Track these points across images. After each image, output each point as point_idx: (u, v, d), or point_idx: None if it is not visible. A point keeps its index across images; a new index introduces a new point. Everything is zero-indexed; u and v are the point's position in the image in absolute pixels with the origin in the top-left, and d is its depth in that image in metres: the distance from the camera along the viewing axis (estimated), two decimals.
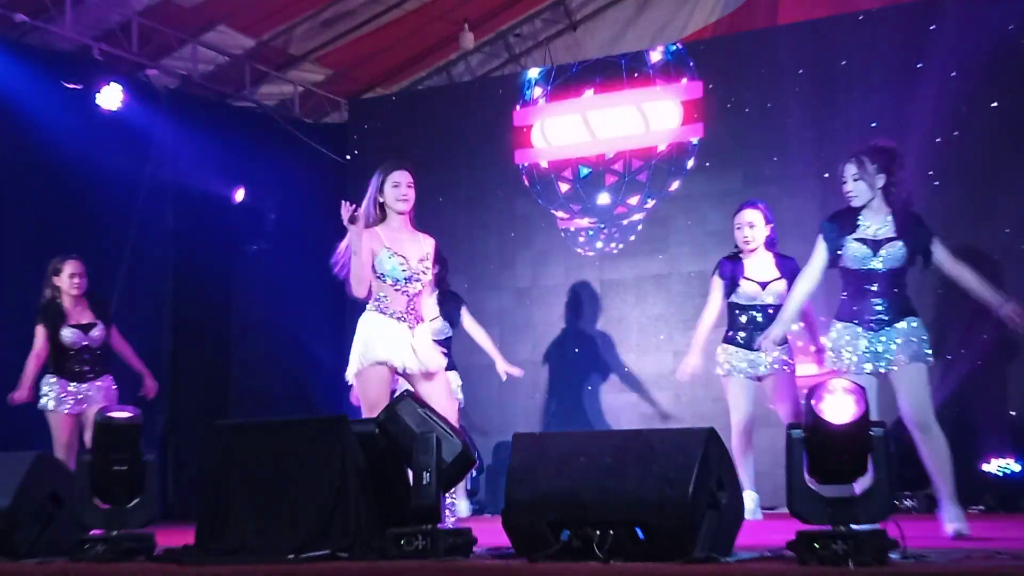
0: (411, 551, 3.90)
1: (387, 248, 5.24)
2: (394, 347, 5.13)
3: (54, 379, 6.92)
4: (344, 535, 4.07)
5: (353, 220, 5.16)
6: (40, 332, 6.96)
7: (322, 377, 9.53)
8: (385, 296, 5.21)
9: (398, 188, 5.30)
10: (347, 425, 4.25)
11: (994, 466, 7.25)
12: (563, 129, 9.39)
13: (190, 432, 8.45)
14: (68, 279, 6.96)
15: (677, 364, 8.68)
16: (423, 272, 5.29)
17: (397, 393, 4.40)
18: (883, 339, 4.98)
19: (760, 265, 6.49)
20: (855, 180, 5.06)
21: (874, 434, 3.50)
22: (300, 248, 9.77)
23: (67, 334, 6.90)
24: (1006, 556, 3.59)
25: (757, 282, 6.47)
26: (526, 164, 9.42)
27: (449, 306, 7.60)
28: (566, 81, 9.40)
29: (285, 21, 9.43)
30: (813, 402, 3.49)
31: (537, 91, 9.50)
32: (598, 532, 3.62)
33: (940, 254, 5.06)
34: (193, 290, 9.25)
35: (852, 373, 4.96)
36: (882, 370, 4.98)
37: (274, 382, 9.66)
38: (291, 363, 9.59)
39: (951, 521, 4.87)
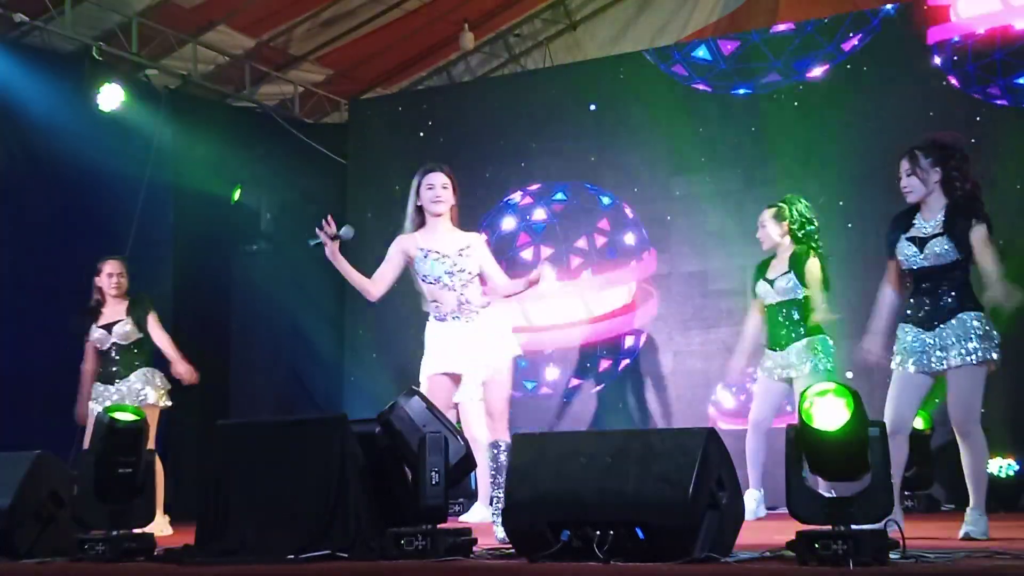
0: (411, 551, 3.90)
1: (421, 249, 5.25)
2: (449, 355, 5.17)
3: (96, 385, 6.83)
4: (344, 535, 4.07)
5: (335, 238, 5.27)
6: (87, 346, 6.87)
7: (322, 377, 9.55)
8: (435, 301, 5.25)
9: (432, 190, 5.29)
10: (347, 425, 4.25)
11: (994, 466, 7.24)
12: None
13: (190, 432, 8.45)
14: (107, 279, 6.89)
15: (677, 364, 8.75)
16: (466, 261, 5.24)
17: (406, 390, 4.35)
18: (933, 338, 4.87)
19: (778, 263, 6.68)
20: (908, 175, 4.96)
21: (871, 435, 3.49)
22: (300, 248, 9.78)
23: (94, 335, 6.85)
24: (1006, 556, 3.59)
25: (768, 280, 6.65)
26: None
27: None
28: None
29: (285, 21, 9.43)
30: (805, 406, 3.49)
31: None
32: (598, 532, 3.62)
33: (975, 238, 4.87)
34: (193, 290, 9.25)
35: (900, 370, 4.91)
36: (935, 369, 4.87)
37: (274, 382, 9.67)
38: (291, 363, 9.59)
39: (966, 524, 4.84)
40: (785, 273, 6.59)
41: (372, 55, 10.12)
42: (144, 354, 6.89)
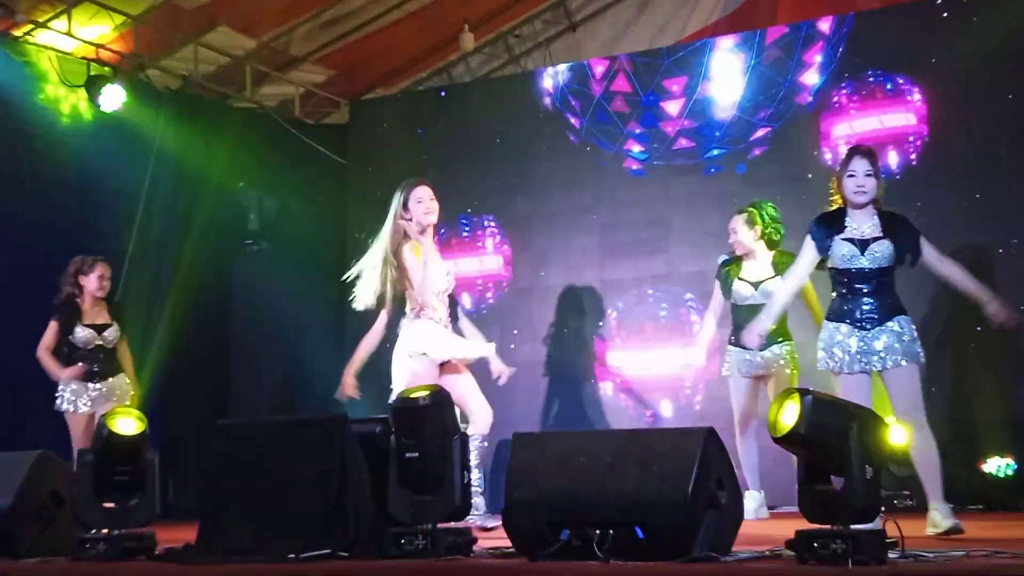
0: (411, 551, 3.90)
1: (433, 265, 5.84)
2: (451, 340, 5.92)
3: (73, 384, 6.95)
4: (344, 535, 4.08)
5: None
6: (52, 327, 7.02)
7: (322, 377, 9.54)
8: (428, 305, 5.87)
9: (422, 204, 5.70)
10: (347, 425, 4.26)
11: (994, 466, 7.25)
12: None
13: (190, 432, 8.45)
14: (97, 280, 7.03)
15: (677, 364, 8.74)
16: (449, 283, 5.92)
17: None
18: (873, 338, 4.98)
19: (756, 266, 6.75)
20: (867, 175, 5.04)
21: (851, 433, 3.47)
22: (300, 248, 9.79)
23: (80, 333, 6.96)
24: (1006, 556, 3.60)
25: (750, 282, 6.72)
26: None
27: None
28: None
29: (286, 22, 9.44)
30: (772, 415, 3.52)
31: None
32: (598, 532, 3.63)
33: (928, 252, 5.06)
34: (193, 290, 9.25)
35: (844, 373, 5.01)
36: (875, 369, 4.99)
37: (274, 382, 9.66)
38: (291, 363, 9.58)
39: (945, 518, 4.87)
40: (772, 277, 6.65)
41: (372, 56, 10.12)
42: (118, 358, 7.17)
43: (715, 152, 8.79)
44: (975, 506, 7.00)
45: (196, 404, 8.83)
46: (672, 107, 8.89)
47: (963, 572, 3.31)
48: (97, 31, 8.63)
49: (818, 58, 8.44)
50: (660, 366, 8.73)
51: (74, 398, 6.94)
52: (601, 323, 9.01)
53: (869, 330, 4.99)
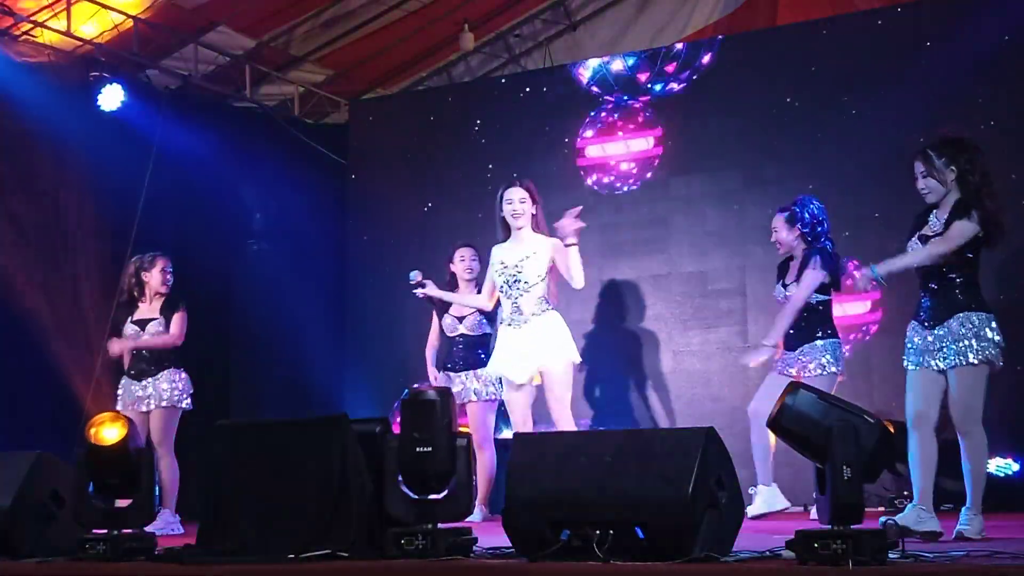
0: (411, 551, 3.90)
1: (493, 260, 6.06)
2: (498, 358, 6.01)
3: (124, 380, 6.94)
4: (344, 535, 4.07)
5: (422, 285, 6.53)
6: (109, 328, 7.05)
7: (322, 377, 9.54)
8: (501, 306, 6.05)
9: (511, 204, 6.00)
10: (347, 425, 4.26)
11: (994, 466, 7.25)
12: None
13: (190, 432, 8.45)
14: (160, 274, 6.96)
15: (676, 364, 8.75)
16: (523, 272, 5.93)
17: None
18: (934, 337, 4.88)
19: (795, 267, 6.67)
20: (924, 177, 4.96)
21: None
22: (300, 248, 9.79)
23: (126, 329, 6.92)
24: (1006, 556, 3.60)
25: (783, 283, 6.68)
26: None
27: None
28: None
29: (285, 22, 9.44)
30: None
31: None
32: (598, 532, 3.62)
33: (952, 230, 4.84)
34: (193, 290, 9.24)
35: (908, 370, 4.94)
36: (938, 367, 4.87)
37: (274, 382, 9.66)
38: (291, 363, 9.58)
39: (960, 523, 4.85)
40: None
41: (372, 55, 10.12)
42: (173, 354, 6.97)
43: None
44: None
45: (196, 404, 8.81)
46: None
47: (963, 572, 3.31)
48: (97, 31, 8.63)
49: None
50: (660, 368, 8.74)
51: (121, 399, 6.87)
52: (600, 323, 9.01)
53: (930, 329, 4.89)
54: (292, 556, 3.96)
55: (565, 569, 3.60)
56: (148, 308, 6.99)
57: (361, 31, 9.72)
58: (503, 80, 10.16)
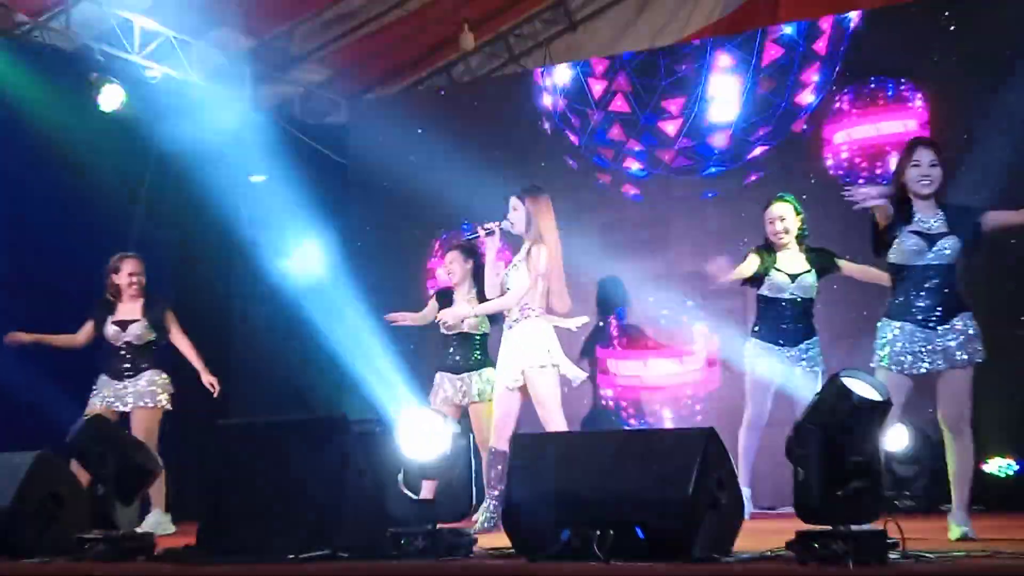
0: (411, 551, 3.90)
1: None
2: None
3: (102, 377, 6.94)
4: (344, 535, 4.07)
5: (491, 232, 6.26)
6: (87, 325, 7.01)
7: (322, 377, 9.53)
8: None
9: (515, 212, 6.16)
10: (347, 425, 4.26)
11: (994, 466, 7.25)
12: None
13: (190, 432, 8.45)
14: (127, 277, 6.97)
15: (676, 364, 8.75)
16: (507, 277, 6.13)
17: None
18: (931, 338, 4.87)
19: (792, 258, 6.50)
20: (932, 166, 4.92)
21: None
22: (301, 248, 9.77)
23: (107, 329, 6.93)
24: (1006, 556, 3.60)
25: (788, 274, 6.46)
26: None
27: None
28: None
29: (286, 21, 9.43)
30: None
31: None
32: (598, 532, 3.62)
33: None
34: (193, 290, 9.24)
35: (906, 373, 4.88)
36: (929, 370, 4.88)
37: (274, 382, 9.66)
38: (291, 363, 9.58)
39: (957, 525, 4.86)
40: (808, 271, 6.48)
41: (372, 55, 10.12)
42: (153, 355, 7.01)
43: (713, 170, 8.80)
44: (976, 506, 6.95)
45: (196, 404, 8.81)
46: (670, 127, 8.90)
47: (963, 573, 3.31)
48: (96, 30, 8.62)
49: (815, 78, 8.48)
50: (660, 369, 8.73)
51: (98, 396, 6.86)
52: (601, 324, 9.00)
53: (930, 329, 4.87)
54: (292, 556, 3.96)
55: (565, 569, 3.60)
56: (127, 308, 7.00)
57: (361, 31, 9.71)
58: (503, 80, 10.17)
